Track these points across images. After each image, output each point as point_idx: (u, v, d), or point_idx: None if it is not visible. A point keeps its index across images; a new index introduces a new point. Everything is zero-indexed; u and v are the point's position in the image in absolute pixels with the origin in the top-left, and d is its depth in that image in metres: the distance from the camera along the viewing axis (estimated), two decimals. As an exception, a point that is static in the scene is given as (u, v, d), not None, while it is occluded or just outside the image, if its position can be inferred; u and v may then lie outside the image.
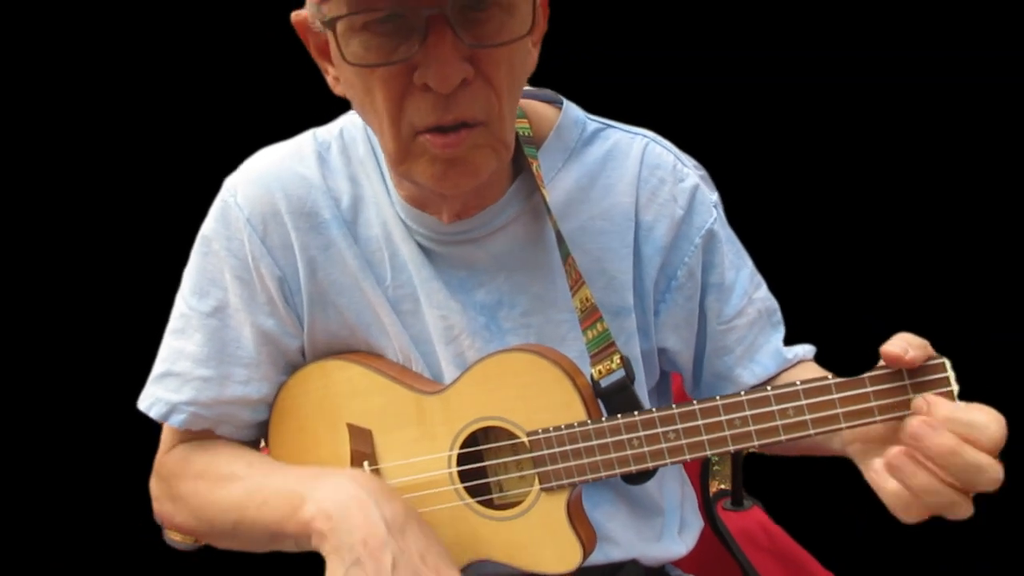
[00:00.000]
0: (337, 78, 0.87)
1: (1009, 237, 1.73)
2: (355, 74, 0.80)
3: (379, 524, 0.81)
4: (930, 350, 0.75)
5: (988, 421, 0.70)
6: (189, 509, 0.98)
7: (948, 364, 0.74)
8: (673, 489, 1.06)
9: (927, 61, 1.71)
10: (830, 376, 0.78)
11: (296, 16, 0.87)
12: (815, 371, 1.01)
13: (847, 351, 0.94)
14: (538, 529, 0.90)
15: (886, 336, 0.75)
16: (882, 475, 0.75)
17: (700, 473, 1.33)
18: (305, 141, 1.01)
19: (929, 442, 0.71)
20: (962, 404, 0.72)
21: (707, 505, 1.32)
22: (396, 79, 0.78)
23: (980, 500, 0.73)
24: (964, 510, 0.72)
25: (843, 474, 0.86)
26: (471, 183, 0.85)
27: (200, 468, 0.98)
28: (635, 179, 0.97)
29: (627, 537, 1.00)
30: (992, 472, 0.70)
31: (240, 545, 0.97)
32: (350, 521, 0.82)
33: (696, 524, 1.08)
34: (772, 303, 1.04)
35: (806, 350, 1.04)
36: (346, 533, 0.81)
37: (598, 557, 0.95)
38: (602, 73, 1.74)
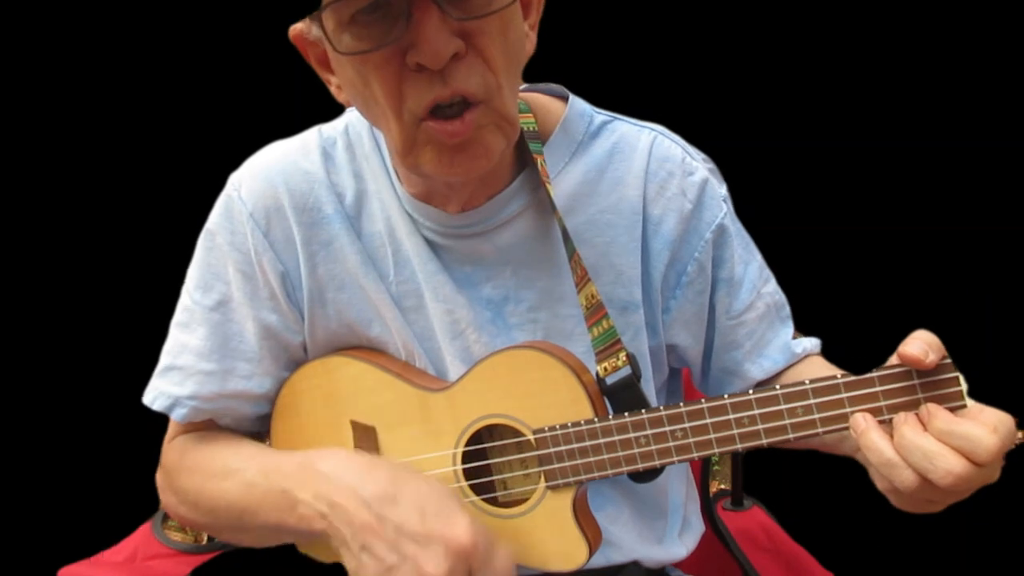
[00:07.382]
0: (340, 86, 0.87)
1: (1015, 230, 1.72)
2: (352, 69, 0.80)
3: (368, 505, 0.81)
4: (943, 350, 0.74)
5: (982, 435, 0.69)
6: (189, 503, 0.97)
7: (961, 378, 0.74)
8: (678, 489, 1.06)
9: (927, 58, 1.71)
10: (839, 375, 0.78)
11: (293, 31, 0.87)
12: (822, 366, 1.01)
13: (854, 345, 0.94)
14: (544, 527, 0.90)
15: (888, 333, 0.75)
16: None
17: (700, 473, 1.34)
18: (310, 137, 1.01)
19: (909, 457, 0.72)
20: (959, 417, 0.72)
21: (707, 505, 1.32)
22: (390, 64, 0.78)
23: (980, 501, 0.73)
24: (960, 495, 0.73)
25: (843, 474, 0.87)
26: (482, 166, 0.83)
27: (194, 461, 0.98)
28: (643, 172, 0.96)
29: (629, 539, 1.00)
30: (977, 481, 0.70)
31: (249, 540, 0.96)
32: (342, 513, 0.81)
33: (697, 526, 1.08)
34: (780, 297, 1.03)
35: (813, 344, 1.03)
36: (344, 525, 0.81)
37: (599, 559, 0.94)
38: (610, 67, 1.73)
